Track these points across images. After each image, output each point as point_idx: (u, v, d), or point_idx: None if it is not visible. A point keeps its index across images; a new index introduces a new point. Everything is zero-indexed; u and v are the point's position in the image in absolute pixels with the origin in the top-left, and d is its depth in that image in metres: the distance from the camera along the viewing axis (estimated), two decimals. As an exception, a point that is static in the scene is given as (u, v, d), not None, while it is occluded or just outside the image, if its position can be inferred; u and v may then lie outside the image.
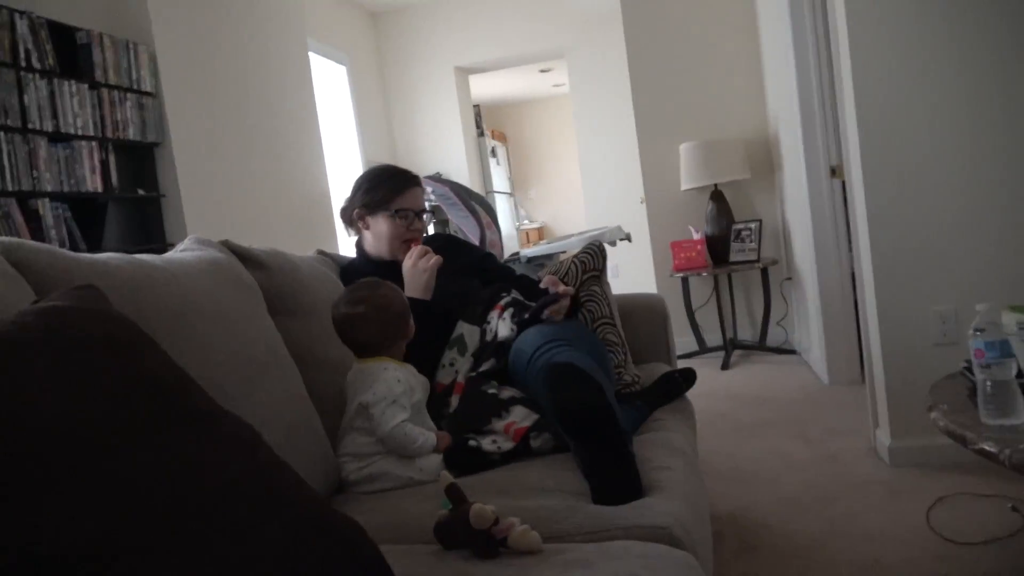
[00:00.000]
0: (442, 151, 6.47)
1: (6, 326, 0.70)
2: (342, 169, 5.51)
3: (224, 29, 4.21)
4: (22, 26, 3.01)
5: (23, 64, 3.00)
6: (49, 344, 0.70)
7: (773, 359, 4.18)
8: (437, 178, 5.24)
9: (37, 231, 3.01)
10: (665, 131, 4.48)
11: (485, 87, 8.25)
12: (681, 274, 4.30)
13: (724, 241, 4.29)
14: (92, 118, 3.32)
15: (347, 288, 1.50)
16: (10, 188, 2.92)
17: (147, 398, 0.72)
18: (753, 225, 4.23)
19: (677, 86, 4.45)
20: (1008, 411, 1.24)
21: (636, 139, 4.58)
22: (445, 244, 2.00)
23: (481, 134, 7.18)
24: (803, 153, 3.37)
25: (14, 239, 1.04)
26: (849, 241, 3.02)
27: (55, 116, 3.14)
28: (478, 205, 4.55)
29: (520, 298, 1.78)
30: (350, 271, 1.90)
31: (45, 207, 3.07)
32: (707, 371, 3.90)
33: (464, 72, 6.60)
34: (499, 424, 1.46)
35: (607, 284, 2.12)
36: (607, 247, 2.31)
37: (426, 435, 1.42)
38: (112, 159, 3.43)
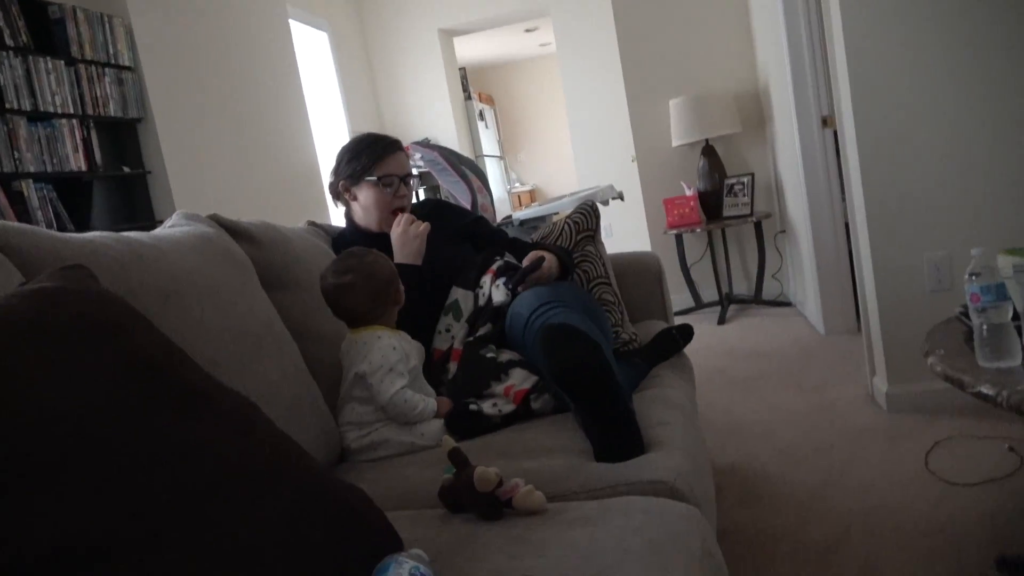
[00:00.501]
0: (429, 116, 6.39)
1: (-6, 309, 0.68)
2: (329, 139, 5.45)
3: (200, -1, 4.12)
4: (-8, 3, 2.94)
5: (-4, 42, 2.93)
6: (39, 327, 0.68)
7: (769, 312, 4.19)
8: (426, 144, 5.17)
9: (23, 213, 2.97)
10: (654, 87, 4.43)
11: (470, 49, 8.12)
12: (675, 231, 4.29)
13: (717, 196, 4.27)
14: (71, 95, 3.26)
15: (334, 259, 1.48)
16: (-8, 170, 2.88)
17: (142, 379, 0.71)
18: (745, 179, 4.21)
19: (665, 41, 4.39)
20: (1005, 353, 1.25)
21: (625, 97, 4.53)
22: (435, 209, 1.98)
23: (468, 98, 7.08)
24: (794, 104, 3.34)
25: (-2, 221, 1.02)
26: (842, 191, 3.00)
27: (32, 95, 3.07)
28: (468, 170, 4.50)
29: (513, 261, 1.78)
30: (341, 241, 1.88)
31: (29, 188, 3.02)
32: (704, 327, 3.92)
33: (448, 34, 6.48)
34: (499, 387, 1.47)
35: (601, 244, 2.11)
36: (600, 206, 2.30)
37: (426, 401, 1.42)
38: (95, 137, 3.38)
